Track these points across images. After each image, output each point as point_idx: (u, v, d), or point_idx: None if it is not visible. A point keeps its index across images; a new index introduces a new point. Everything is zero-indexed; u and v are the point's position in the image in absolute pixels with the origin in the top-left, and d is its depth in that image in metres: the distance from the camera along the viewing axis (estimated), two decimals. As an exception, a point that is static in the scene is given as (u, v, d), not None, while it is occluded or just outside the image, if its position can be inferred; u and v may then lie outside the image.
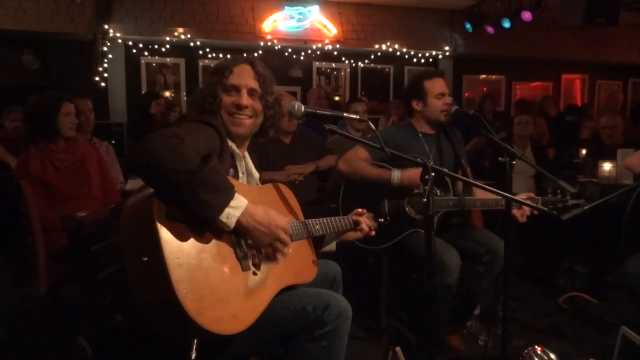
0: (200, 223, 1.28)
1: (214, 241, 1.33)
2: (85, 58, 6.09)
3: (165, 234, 1.21)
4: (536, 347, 2.06)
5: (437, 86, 2.47)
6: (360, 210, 1.90)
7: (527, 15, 6.10)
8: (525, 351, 2.05)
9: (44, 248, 2.34)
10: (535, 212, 2.25)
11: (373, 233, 1.90)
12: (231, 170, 1.52)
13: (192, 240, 1.27)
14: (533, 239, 3.64)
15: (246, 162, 1.66)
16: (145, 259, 1.21)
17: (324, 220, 1.75)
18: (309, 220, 1.71)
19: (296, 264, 1.60)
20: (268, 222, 1.38)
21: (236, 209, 1.30)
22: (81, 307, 2.23)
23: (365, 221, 1.86)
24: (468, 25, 7.04)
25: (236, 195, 1.31)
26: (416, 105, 2.53)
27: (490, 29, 6.78)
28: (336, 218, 1.80)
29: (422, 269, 2.27)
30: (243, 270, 1.38)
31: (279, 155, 3.19)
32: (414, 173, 2.27)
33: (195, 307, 1.19)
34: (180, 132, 1.29)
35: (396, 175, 2.32)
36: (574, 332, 2.74)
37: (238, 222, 1.31)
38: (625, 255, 2.46)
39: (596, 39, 7.78)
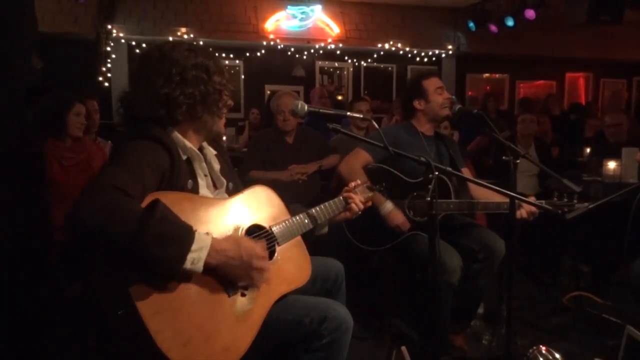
0: (165, 279, 1.17)
1: (193, 275, 1.23)
2: (88, 58, 6.10)
3: (135, 284, 1.13)
4: (541, 346, 2.05)
5: (434, 82, 2.57)
6: (352, 184, 1.79)
7: (530, 14, 6.08)
8: (530, 351, 2.05)
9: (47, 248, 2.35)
10: (536, 214, 2.24)
11: (370, 203, 1.80)
12: (190, 182, 1.38)
13: (167, 283, 1.18)
14: (537, 238, 3.63)
15: (205, 156, 1.52)
16: (120, 312, 1.14)
17: (314, 211, 1.64)
18: (298, 216, 1.59)
19: (287, 270, 1.51)
20: (239, 255, 1.26)
21: (200, 250, 1.17)
22: (85, 307, 2.23)
23: (356, 199, 1.74)
24: (471, 24, 7.02)
25: (197, 235, 1.18)
26: (418, 104, 2.57)
27: (493, 28, 6.76)
28: (325, 204, 1.69)
29: (423, 269, 2.28)
30: (229, 295, 1.30)
31: (282, 154, 3.19)
32: (402, 218, 2.30)
33: (181, 355, 1.14)
34: (118, 174, 1.16)
35: (388, 207, 2.31)
36: (578, 331, 2.73)
37: (206, 263, 1.19)
38: (629, 254, 2.45)
39: (600, 37, 7.74)
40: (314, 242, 1.72)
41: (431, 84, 2.55)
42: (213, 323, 1.24)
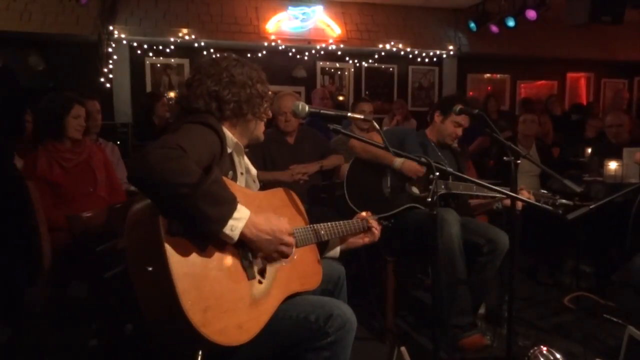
0: (203, 236, 1.26)
1: (219, 250, 1.32)
2: (90, 59, 6.11)
3: (170, 243, 1.20)
4: (542, 347, 2.05)
5: (461, 116, 2.62)
6: (364, 213, 1.88)
7: (531, 14, 6.07)
8: (531, 351, 2.05)
9: (49, 248, 2.36)
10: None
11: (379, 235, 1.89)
12: (230, 172, 1.51)
13: (198, 250, 1.26)
14: (538, 238, 3.62)
15: (245, 160, 1.65)
16: (150, 268, 1.20)
17: (331, 225, 1.74)
18: (316, 225, 1.69)
19: (301, 271, 1.59)
20: (271, 230, 1.38)
21: (239, 220, 1.28)
22: (87, 307, 2.24)
23: (374, 224, 1.85)
24: (472, 24, 7.01)
25: (239, 206, 1.29)
26: (437, 116, 2.72)
27: (494, 28, 6.76)
28: (343, 222, 1.79)
29: (421, 241, 2.34)
30: (249, 279, 1.38)
31: (283, 155, 3.19)
32: (415, 165, 2.49)
33: (200, 319, 1.18)
34: (181, 140, 1.25)
35: (399, 160, 2.55)
36: (579, 331, 2.73)
37: (242, 233, 1.29)
38: (631, 254, 2.45)
39: (601, 37, 7.73)
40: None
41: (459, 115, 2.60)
42: (232, 299, 1.30)
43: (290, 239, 1.44)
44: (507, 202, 2.37)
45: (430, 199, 1.56)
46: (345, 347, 1.49)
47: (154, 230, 1.20)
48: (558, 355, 2.01)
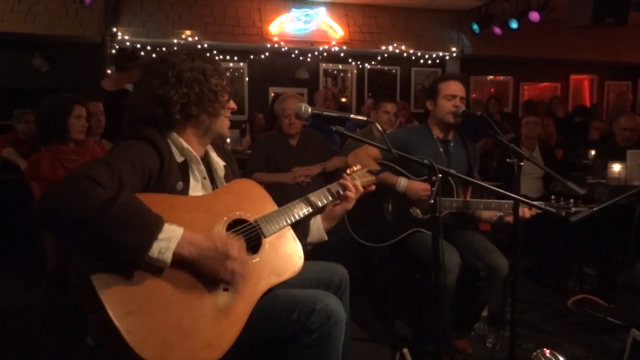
0: (133, 268, 1.15)
1: (167, 273, 1.21)
2: (94, 60, 6.14)
3: (105, 287, 1.13)
4: (545, 349, 2.05)
5: (448, 88, 2.51)
6: (349, 170, 1.73)
7: (534, 16, 6.07)
8: (534, 354, 2.04)
9: (53, 249, 2.37)
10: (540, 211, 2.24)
11: (372, 187, 1.75)
12: (179, 184, 1.40)
13: (139, 282, 1.17)
14: (542, 241, 3.61)
15: (210, 162, 1.57)
16: (95, 315, 1.16)
17: (303, 200, 1.61)
18: (283, 206, 1.57)
19: (275, 262, 1.46)
20: (214, 245, 1.24)
21: (169, 240, 1.16)
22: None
23: (350, 183, 1.67)
24: (475, 26, 7.01)
25: (166, 226, 1.17)
26: (429, 105, 2.59)
27: (497, 30, 6.75)
28: (313, 194, 1.65)
29: (423, 268, 2.28)
30: (209, 291, 1.29)
31: (285, 157, 3.20)
32: (420, 186, 2.32)
33: (155, 353, 1.13)
34: (91, 167, 1.19)
35: (403, 182, 2.37)
36: (583, 334, 2.72)
37: (177, 254, 1.17)
38: (635, 257, 2.44)
39: (605, 39, 7.72)
40: (318, 247, 1.71)
41: (445, 88, 2.50)
42: (192, 320, 1.22)
43: (241, 255, 1.29)
44: (509, 219, 2.26)
45: (432, 201, 1.56)
46: (333, 342, 1.40)
47: (85, 278, 1.13)
48: (561, 358, 2.01)
